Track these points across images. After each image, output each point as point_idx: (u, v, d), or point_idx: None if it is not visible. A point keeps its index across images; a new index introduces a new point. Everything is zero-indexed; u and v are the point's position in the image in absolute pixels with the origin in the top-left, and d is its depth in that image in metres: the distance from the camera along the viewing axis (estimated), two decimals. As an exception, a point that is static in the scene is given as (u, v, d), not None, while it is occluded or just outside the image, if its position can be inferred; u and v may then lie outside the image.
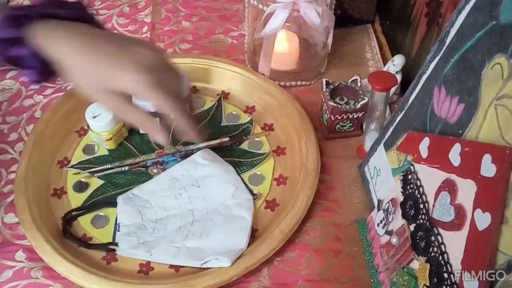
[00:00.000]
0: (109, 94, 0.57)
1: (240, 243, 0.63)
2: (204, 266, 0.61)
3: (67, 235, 0.64)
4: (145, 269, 0.62)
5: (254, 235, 0.65)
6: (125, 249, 0.63)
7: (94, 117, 0.70)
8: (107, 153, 0.74)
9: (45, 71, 0.60)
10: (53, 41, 0.56)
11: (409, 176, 0.55)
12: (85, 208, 0.68)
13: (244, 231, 0.64)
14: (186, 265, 0.62)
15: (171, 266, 0.63)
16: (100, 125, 0.71)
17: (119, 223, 0.65)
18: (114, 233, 0.65)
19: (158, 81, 0.56)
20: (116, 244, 0.63)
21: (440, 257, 0.47)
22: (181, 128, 0.60)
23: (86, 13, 0.62)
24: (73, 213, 0.66)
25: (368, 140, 0.72)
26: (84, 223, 0.67)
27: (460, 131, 0.48)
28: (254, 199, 0.68)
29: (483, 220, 0.42)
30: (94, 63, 0.55)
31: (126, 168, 0.71)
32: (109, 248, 0.64)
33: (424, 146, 0.53)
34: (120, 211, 0.66)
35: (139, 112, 0.59)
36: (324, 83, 0.75)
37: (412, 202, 0.54)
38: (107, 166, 0.71)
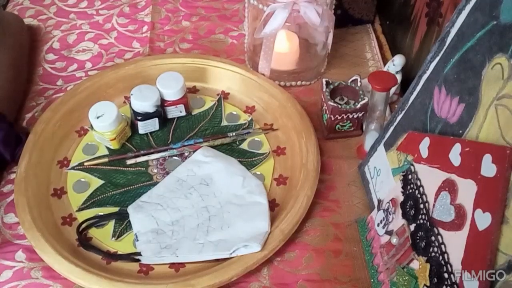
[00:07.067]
0: None
1: (263, 226, 0.63)
2: (233, 255, 0.61)
3: (87, 248, 0.63)
4: (145, 269, 0.62)
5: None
6: (150, 257, 0.62)
7: (97, 117, 0.70)
8: (107, 153, 0.74)
9: None
10: None
11: (409, 176, 0.55)
12: (96, 219, 0.66)
13: (264, 215, 0.65)
14: (215, 257, 0.62)
15: (171, 266, 0.63)
16: (104, 125, 0.70)
17: (135, 233, 0.64)
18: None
19: None
20: (139, 254, 0.63)
21: (440, 257, 0.47)
22: None
23: None
24: (83, 225, 0.65)
25: (368, 140, 0.71)
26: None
27: (461, 131, 0.48)
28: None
29: (484, 220, 0.42)
30: None
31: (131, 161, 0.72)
32: (133, 258, 0.63)
33: (424, 146, 0.53)
34: (133, 221, 0.65)
35: None
36: (324, 83, 0.75)
37: (412, 202, 0.54)
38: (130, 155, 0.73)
